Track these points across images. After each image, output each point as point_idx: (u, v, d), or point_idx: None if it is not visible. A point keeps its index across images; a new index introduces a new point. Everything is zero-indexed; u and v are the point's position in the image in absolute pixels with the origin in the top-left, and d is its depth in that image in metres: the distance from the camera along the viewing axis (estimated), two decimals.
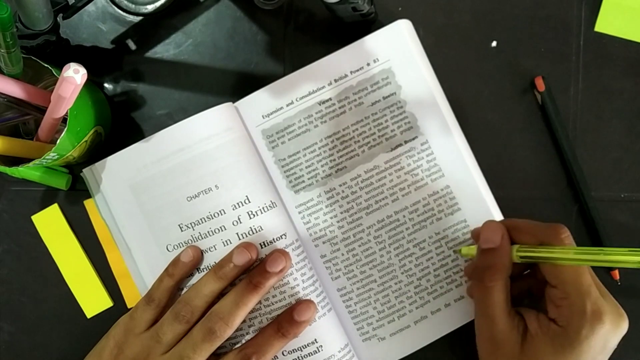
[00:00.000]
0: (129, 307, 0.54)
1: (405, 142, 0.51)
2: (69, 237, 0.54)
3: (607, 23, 0.53)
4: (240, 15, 0.54)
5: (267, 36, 0.54)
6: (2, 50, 0.42)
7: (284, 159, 0.51)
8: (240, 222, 0.49)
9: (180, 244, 0.50)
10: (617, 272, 0.54)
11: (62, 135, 0.45)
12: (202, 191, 0.49)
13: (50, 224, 0.54)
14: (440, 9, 0.54)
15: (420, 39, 0.52)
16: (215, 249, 0.49)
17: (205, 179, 0.49)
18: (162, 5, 0.53)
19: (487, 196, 0.51)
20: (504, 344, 0.45)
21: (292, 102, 0.51)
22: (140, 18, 0.54)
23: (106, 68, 0.54)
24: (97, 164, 0.51)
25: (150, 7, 0.53)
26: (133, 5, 0.53)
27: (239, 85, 0.54)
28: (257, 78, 0.54)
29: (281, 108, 0.51)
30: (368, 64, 0.51)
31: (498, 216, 0.51)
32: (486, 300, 0.45)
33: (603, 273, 0.54)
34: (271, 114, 0.51)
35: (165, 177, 0.50)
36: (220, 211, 0.49)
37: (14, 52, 0.43)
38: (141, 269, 0.51)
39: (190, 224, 0.50)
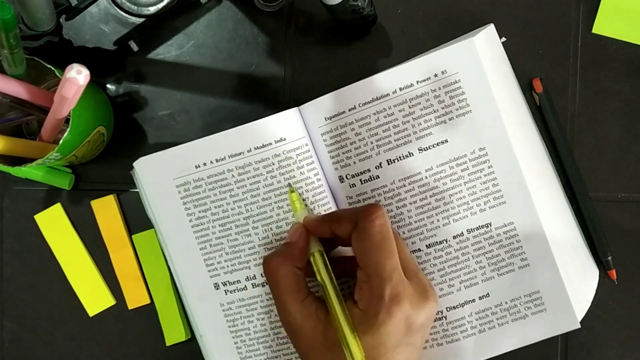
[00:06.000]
0: (129, 307, 0.55)
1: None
2: (72, 236, 0.55)
3: (605, 25, 0.54)
4: (242, 17, 0.54)
5: (268, 38, 0.54)
6: (5, 51, 0.43)
7: (338, 155, 0.50)
8: None
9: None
10: (614, 272, 0.54)
11: (64, 135, 0.45)
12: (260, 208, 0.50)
13: (53, 223, 0.55)
14: (439, 11, 0.54)
15: (419, 40, 0.52)
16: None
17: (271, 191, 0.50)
18: (164, 7, 0.53)
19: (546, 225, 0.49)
20: (302, 331, 0.45)
21: (354, 107, 0.49)
22: (142, 20, 0.54)
23: (109, 69, 0.55)
24: (148, 156, 0.50)
25: (152, 9, 0.53)
26: (135, 7, 0.53)
27: (239, 86, 0.54)
28: (258, 79, 0.54)
29: (343, 112, 0.50)
30: (435, 75, 0.48)
31: (544, 220, 0.49)
32: (272, 286, 0.46)
33: (601, 273, 0.54)
34: (333, 117, 0.50)
35: (223, 182, 0.50)
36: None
37: (17, 52, 0.43)
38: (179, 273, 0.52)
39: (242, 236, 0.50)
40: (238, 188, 0.50)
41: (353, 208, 0.47)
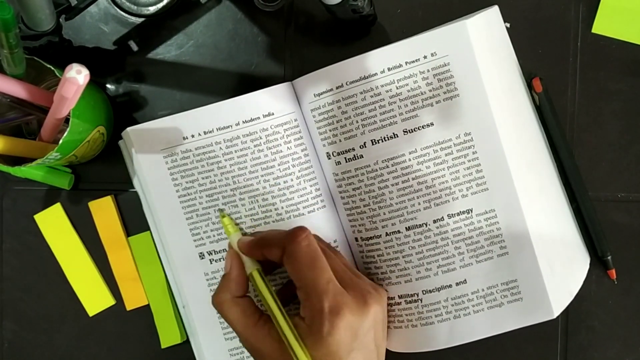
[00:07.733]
0: (128, 308, 0.55)
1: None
2: (72, 236, 0.55)
3: (605, 24, 0.54)
4: (241, 17, 0.54)
5: (268, 38, 0.55)
6: (5, 51, 0.43)
7: (326, 132, 0.51)
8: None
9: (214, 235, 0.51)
10: (614, 271, 0.54)
11: (64, 135, 0.45)
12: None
13: (53, 223, 0.55)
14: (439, 11, 0.54)
15: None
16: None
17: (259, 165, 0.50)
18: (163, 7, 0.53)
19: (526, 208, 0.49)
20: (261, 353, 0.46)
21: (341, 85, 0.49)
22: (142, 19, 0.54)
23: (108, 69, 0.55)
24: (136, 126, 0.50)
25: (152, 9, 0.53)
26: (135, 7, 0.53)
27: (239, 86, 0.54)
28: (258, 79, 0.54)
29: (330, 90, 0.49)
30: (425, 57, 0.48)
31: (528, 216, 0.49)
32: (224, 319, 0.47)
33: (601, 272, 0.54)
34: (321, 93, 0.50)
35: (211, 155, 0.50)
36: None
37: (16, 52, 0.43)
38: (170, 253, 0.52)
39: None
40: (225, 160, 0.50)
41: (279, 233, 0.48)
